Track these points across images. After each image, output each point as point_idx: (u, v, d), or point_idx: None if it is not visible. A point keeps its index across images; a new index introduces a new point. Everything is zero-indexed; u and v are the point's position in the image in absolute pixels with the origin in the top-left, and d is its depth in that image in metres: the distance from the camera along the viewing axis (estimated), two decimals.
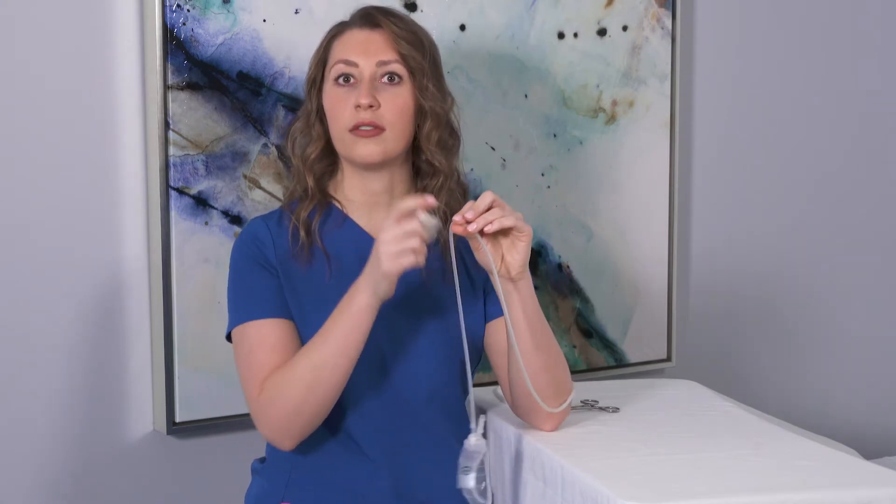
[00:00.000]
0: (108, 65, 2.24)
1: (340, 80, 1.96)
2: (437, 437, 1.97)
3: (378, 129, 1.94)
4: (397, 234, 1.79)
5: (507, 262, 1.87)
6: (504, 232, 1.86)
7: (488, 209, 1.83)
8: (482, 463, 1.81)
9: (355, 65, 1.95)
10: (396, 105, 1.96)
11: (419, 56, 1.97)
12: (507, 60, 2.53)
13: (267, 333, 1.93)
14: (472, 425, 1.82)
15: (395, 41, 1.96)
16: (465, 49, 2.48)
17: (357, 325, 1.85)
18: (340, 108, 1.95)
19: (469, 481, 1.80)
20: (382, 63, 1.95)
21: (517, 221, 1.84)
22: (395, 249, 1.79)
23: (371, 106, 1.93)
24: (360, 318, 1.85)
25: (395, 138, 1.97)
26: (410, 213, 1.80)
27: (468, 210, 1.83)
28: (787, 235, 3.00)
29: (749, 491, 1.73)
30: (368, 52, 1.95)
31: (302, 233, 1.98)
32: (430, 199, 1.81)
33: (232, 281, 1.99)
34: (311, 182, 2.01)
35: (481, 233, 1.83)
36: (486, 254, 1.84)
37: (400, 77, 1.96)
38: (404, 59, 1.96)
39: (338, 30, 2.01)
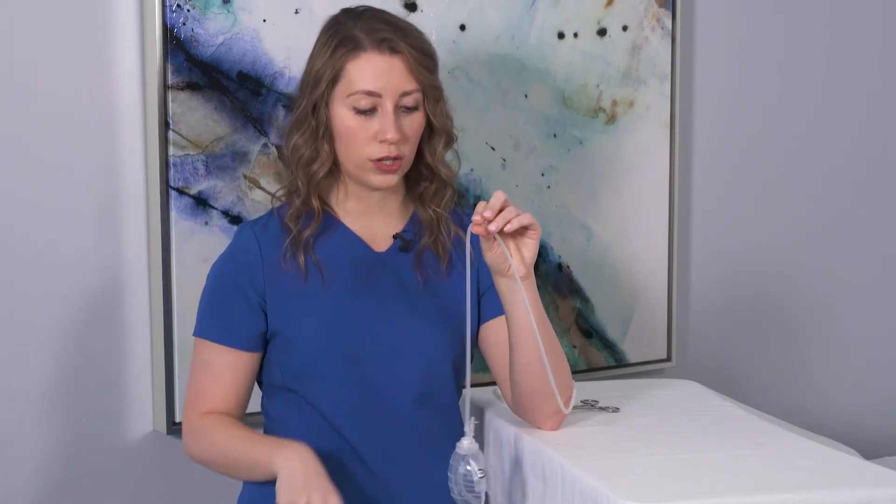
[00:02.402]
0: (108, 65, 2.24)
1: (361, 109, 1.92)
2: (429, 439, 1.97)
3: (399, 161, 1.95)
4: None
5: (517, 261, 1.88)
6: (517, 231, 1.86)
7: (502, 209, 1.84)
8: (483, 463, 1.81)
9: (378, 95, 1.91)
10: (415, 133, 1.96)
11: (434, 79, 1.96)
12: (507, 60, 2.53)
13: (218, 360, 1.97)
14: (466, 428, 1.81)
15: (416, 68, 1.93)
16: (465, 49, 2.48)
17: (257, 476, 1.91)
18: (361, 137, 1.93)
19: (482, 484, 1.79)
20: (405, 94, 1.92)
21: (532, 219, 1.85)
22: None
23: (398, 140, 1.92)
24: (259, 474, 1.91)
25: (409, 161, 1.98)
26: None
27: (485, 209, 1.82)
28: (787, 235, 3.00)
29: (749, 491, 1.73)
30: (391, 81, 1.91)
31: (301, 254, 1.97)
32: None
33: (207, 289, 2.01)
34: (316, 203, 1.99)
35: (500, 232, 1.83)
36: (502, 253, 1.85)
37: (418, 104, 1.95)
38: (423, 87, 1.94)
39: (351, 50, 1.92)
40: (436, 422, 1.98)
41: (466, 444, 1.80)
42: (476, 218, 1.82)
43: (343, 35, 1.94)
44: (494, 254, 1.86)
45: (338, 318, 1.92)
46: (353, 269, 1.98)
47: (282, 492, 1.79)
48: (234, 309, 1.96)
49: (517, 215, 1.83)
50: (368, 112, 1.92)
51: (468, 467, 1.79)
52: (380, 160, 1.93)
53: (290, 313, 1.96)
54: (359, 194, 2.01)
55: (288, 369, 1.95)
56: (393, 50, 1.92)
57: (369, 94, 1.91)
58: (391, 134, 1.91)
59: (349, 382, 1.93)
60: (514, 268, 1.86)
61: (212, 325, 1.97)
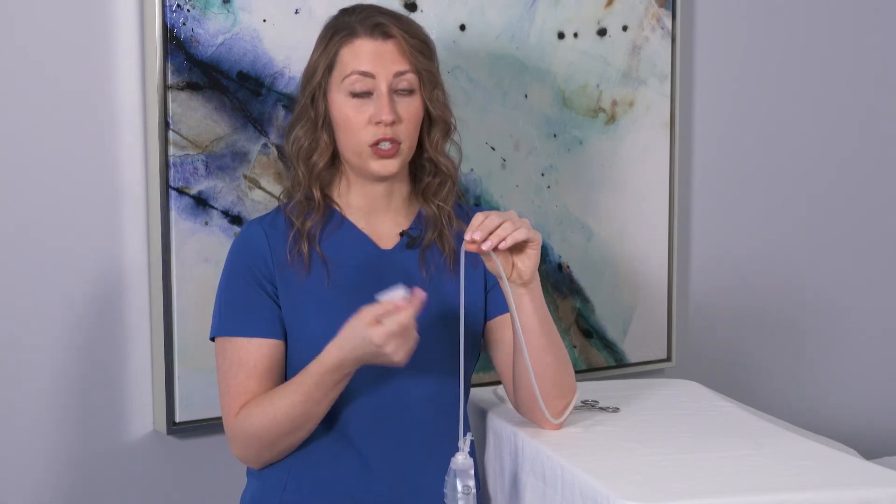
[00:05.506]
0: (108, 65, 2.24)
1: (356, 92, 1.94)
2: (436, 440, 1.96)
3: (396, 145, 1.95)
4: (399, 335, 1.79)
5: (518, 270, 1.88)
6: (515, 245, 1.85)
7: (497, 227, 1.82)
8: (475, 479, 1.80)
9: (372, 76, 1.93)
10: (411, 117, 1.96)
11: (429, 64, 1.97)
12: (507, 60, 2.53)
13: (248, 355, 1.94)
14: (460, 443, 1.80)
15: (409, 52, 1.94)
16: (465, 49, 2.48)
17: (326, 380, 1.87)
18: (357, 122, 1.94)
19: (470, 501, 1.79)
20: (399, 74, 1.94)
21: (529, 232, 1.84)
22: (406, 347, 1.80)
23: (393, 122, 1.93)
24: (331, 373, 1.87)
25: (409, 149, 1.98)
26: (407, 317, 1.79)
27: (475, 230, 1.81)
28: (787, 235, 3.00)
29: (749, 491, 1.73)
30: (384, 63, 1.93)
31: (304, 245, 1.97)
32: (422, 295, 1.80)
33: (223, 286, 1.99)
34: (317, 193, 2.00)
35: (494, 249, 1.83)
36: (497, 267, 1.84)
37: (413, 87, 1.96)
38: (417, 71, 1.95)
39: (345, 37, 1.96)
40: (443, 422, 1.97)
41: (461, 459, 1.79)
42: (468, 237, 1.82)
43: (337, 27, 1.98)
44: (491, 265, 1.86)
45: (344, 316, 1.92)
46: (360, 266, 1.98)
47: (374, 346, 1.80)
48: (254, 299, 1.95)
49: (513, 231, 1.82)
50: (364, 96, 1.94)
51: (457, 483, 1.79)
52: (377, 144, 1.93)
53: (297, 310, 1.96)
54: (363, 189, 2.01)
55: (294, 367, 1.95)
56: (386, 34, 1.95)
57: (364, 74, 1.93)
58: (385, 114, 1.91)
59: (355, 381, 1.93)
60: (505, 281, 1.85)
61: (235, 321, 1.95)
